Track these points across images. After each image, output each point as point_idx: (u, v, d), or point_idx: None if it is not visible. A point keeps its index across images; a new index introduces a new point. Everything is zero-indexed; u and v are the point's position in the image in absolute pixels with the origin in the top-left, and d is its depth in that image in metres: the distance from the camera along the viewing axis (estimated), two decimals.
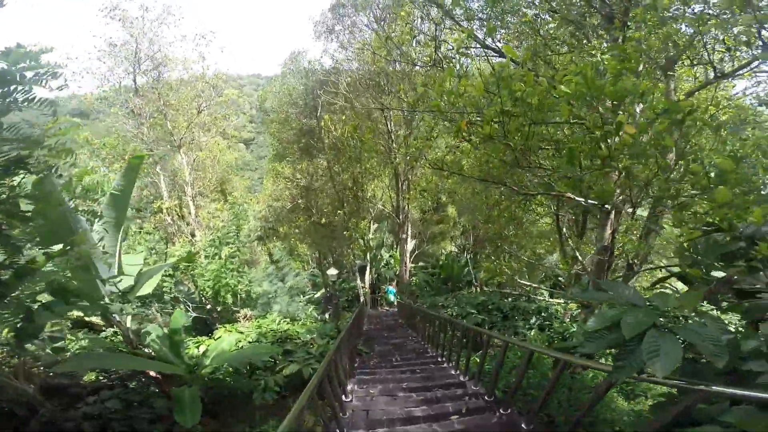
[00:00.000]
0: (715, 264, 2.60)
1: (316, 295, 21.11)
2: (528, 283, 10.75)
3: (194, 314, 12.87)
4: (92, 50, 18.69)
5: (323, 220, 20.80)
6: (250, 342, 8.51)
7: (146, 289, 7.83)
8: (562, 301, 11.38)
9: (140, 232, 13.71)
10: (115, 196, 6.78)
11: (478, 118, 4.12)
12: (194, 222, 16.74)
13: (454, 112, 4.39)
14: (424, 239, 33.85)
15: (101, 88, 17.09)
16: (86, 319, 8.95)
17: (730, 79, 7.27)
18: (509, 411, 4.48)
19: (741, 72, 5.48)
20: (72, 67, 21.21)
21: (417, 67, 14.65)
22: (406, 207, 18.17)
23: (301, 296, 15.00)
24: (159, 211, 16.18)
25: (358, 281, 20.62)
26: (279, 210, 22.93)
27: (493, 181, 6.15)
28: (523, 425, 4.05)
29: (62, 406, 4.98)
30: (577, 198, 4.39)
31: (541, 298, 11.63)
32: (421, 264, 28.04)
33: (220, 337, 8.70)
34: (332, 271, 10.98)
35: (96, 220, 5.48)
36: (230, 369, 7.39)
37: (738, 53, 5.57)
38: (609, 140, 3.29)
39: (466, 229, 38.41)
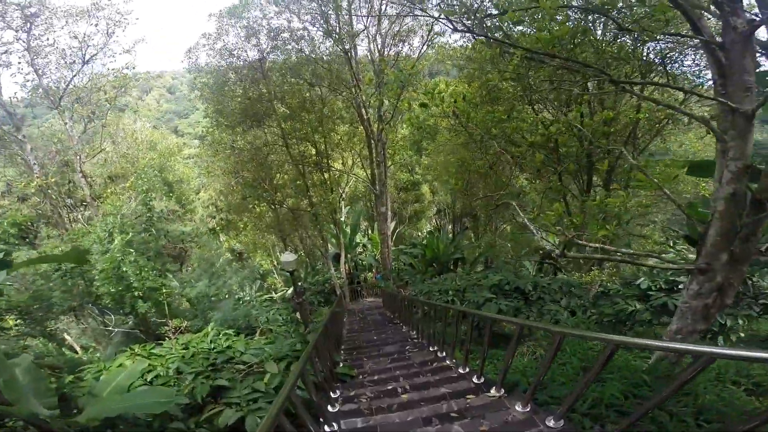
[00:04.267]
0: None
1: (288, 293, 17.77)
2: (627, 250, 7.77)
3: (116, 328, 9.28)
4: None
5: (281, 203, 17.30)
6: (159, 375, 5.22)
7: None
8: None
9: None
10: None
11: None
12: (92, 206, 12.72)
13: None
14: (401, 221, 31.06)
15: None
16: None
17: None
18: None
19: None
20: None
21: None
22: (384, 173, 14.99)
23: (251, 294, 11.61)
24: (31, 193, 12.06)
25: (332, 271, 17.41)
26: (228, 194, 19.08)
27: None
28: None
29: None
30: None
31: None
32: (401, 247, 25.26)
33: (118, 367, 5.38)
34: (287, 257, 7.74)
35: None
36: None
37: None
38: None
39: (441, 208, 36.36)
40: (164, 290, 8.45)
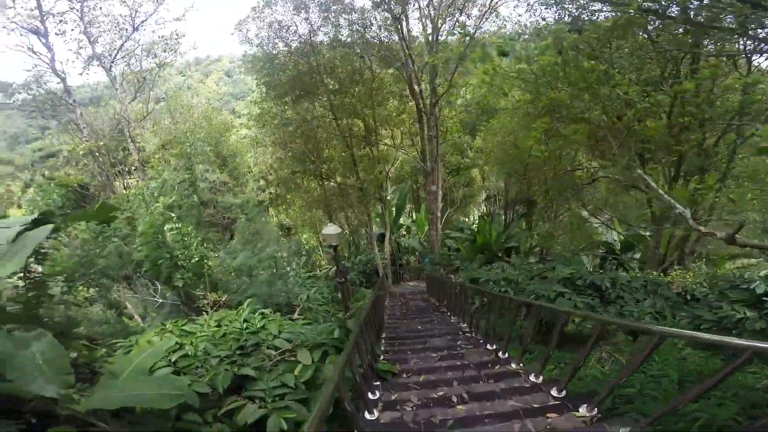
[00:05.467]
0: None
1: (332, 271, 17.53)
2: None
3: (160, 299, 9.32)
4: None
5: (328, 178, 16.80)
6: (186, 356, 4.79)
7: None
8: None
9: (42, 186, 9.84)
10: None
11: None
12: (139, 170, 12.90)
13: None
14: (448, 204, 29.68)
15: None
16: None
17: None
18: None
19: None
20: None
21: None
22: (436, 149, 13.82)
23: (297, 270, 11.21)
24: (78, 157, 12.39)
25: (376, 251, 16.78)
26: (278, 168, 18.95)
27: None
28: None
29: None
30: None
31: None
32: (447, 231, 24.08)
33: (147, 343, 5.04)
34: (330, 229, 7.02)
35: None
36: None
37: None
38: None
39: (492, 194, 34.27)
40: (205, 260, 8.23)
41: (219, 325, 6.04)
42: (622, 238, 16.87)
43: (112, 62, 12.74)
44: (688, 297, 7.06)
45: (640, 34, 7.98)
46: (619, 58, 7.70)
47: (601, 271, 12.31)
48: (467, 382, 4.08)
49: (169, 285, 7.48)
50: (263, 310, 6.52)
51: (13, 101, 11.83)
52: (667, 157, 10.87)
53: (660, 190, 4.22)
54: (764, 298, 5.88)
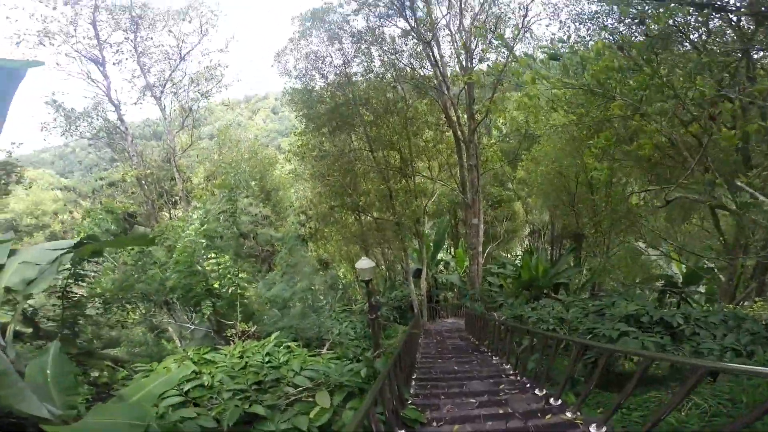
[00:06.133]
0: None
1: (366, 306, 17.02)
2: None
3: (192, 326, 9.31)
4: None
5: (365, 211, 16.71)
6: (201, 386, 4.49)
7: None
8: None
9: (90, 211, 10.38)
10: None
11: None
12: (183, 199, 13.42)
13: None
14: (489, 239, 28.46)
15: None
16: None
17: None
18: None
19: None
20: None
21: None
22: (476, 179, 13.31)
23: (333, 303, 10.84)
24: (122, 181, 13.09)
25: (412, 287, 16.10)
26: (317, 203, 19.22)
27: None
28: None
29: None
30: None
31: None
32: (488, 266, 22.84)
33: (163, 368, 4.84)
34: (364, 263, 6.69)
35: None
36: None
37: None
38: None
39: (536, 229, 32.52)
40: (239, 290, 8.14)
41: (242, 357, 5.75)
42: (684, 270, 15.12)
43: (162, 91, 13.92)
44: None
45: (685, 44, 7.31)
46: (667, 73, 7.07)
47: (658, 305, 10.87)
48: None
49: (200, 312, 7.41)
50: (289, 344, 6.15)
51: (74, 127, 13.15)
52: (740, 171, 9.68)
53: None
54: None
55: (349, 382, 4.21)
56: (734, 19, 6.73)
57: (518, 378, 5.61)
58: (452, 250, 26.92)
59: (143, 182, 13.55)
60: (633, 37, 7.45)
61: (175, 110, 14.38)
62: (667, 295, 13.93)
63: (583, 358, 6.24)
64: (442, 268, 23.50)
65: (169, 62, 14.77)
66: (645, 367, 2.80)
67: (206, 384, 4.56)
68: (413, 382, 5.65)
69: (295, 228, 23.14)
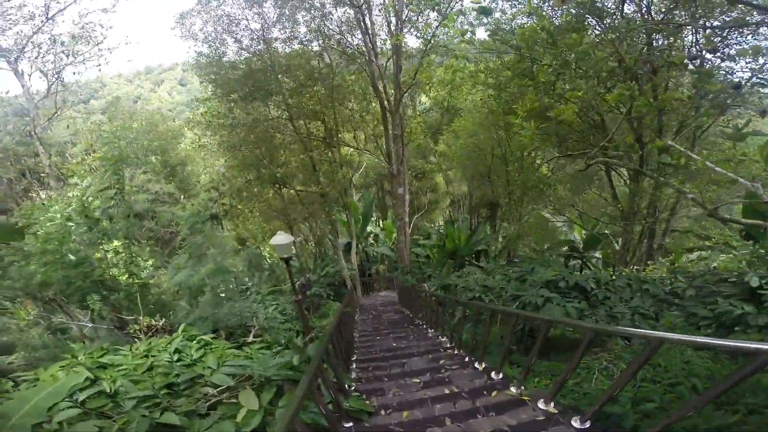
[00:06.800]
0: None
1: (298, 283, 16.20)
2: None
3: (88, 324, 7.70)
4: None
5: (285, 184, 15.61)
6: (101, 393, 3.58)
7: None
8: None
9: None
10: None
11: None
12: (51, 177, 11.01)
13: None
14: (414, 210, 29.24)
15: None
16: None
17: None
18: None
19: None
20: None
21: None
22: (402, 149, 13.07)
23: (253, 286, 9.93)
24: None
25: (343, 262, 15.71)
26: (231, 177, 17.36)
27: None
28: None
29: None
30: None
31: None
32: (414, 237, 23.42)
33: (50, 377, 3.79)
34: (280, 239, 5.99)
35: None
36: None
37: None
38: None
39: (456, 199, 34.34)
40: (136, 279, 6.86)
41: (147, 356, 4.82)
42: (584, 236, 17.07)
43: (18, 56, 10.84)
44: (679, 293, 6.66)
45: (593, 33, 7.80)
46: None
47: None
48: (463, 419, 3.22)
49: (86, 308, 6.06)
50: (203, 336, 5.32)
51: None
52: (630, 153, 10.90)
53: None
54: (759, 291, 5.55)
55: (278, 375, 3.66)
56: None
57: (456, 351, 5.61)
58: (381, 222, 27.05)
59: None
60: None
61: (40, 78, 11.32)
62: (570, 259, 15.56)
63: (515, 328, 6.53)
64: (372, 241, 23.48)
65: (33, 23, 11.43)
66: (589, 340, 2.74)
67: (109, 390, 3.68)
68: (353, 365, 5.32)
69: (204, 205, 20.86)
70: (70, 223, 6.10)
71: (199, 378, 4.14)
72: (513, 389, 3.69)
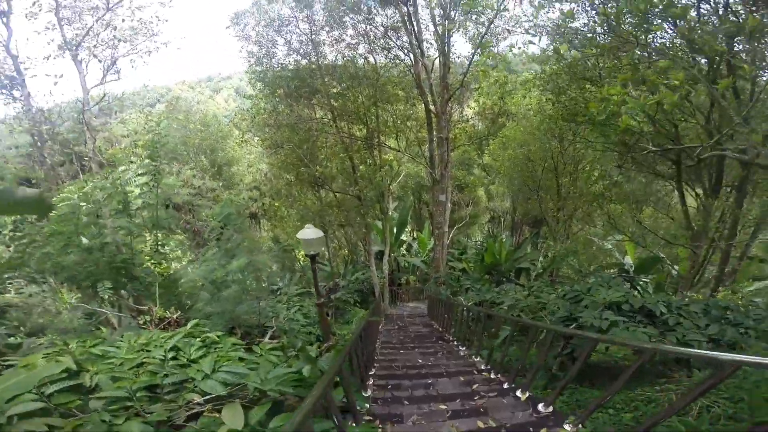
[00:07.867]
0: None
1: (327, 286, 15.82)
2: None
3: (108, 311, 7.65)
4: None
5: (324, 184, 15.38)
6: (78, 386, 3.13)
7: None
8: None
9: None
10: None
11: None
12: (94, 161, 11.23)
13: None
14: (452, 224, 28.15)
15: None
16: None
17: None
18: None
19: None
20: None
21: None
22: (446, 153, 12.28)
23: (284, 287, 9.52)
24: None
25: (373, 269, 15.07)
26: (272, 178, 17.49)
27: None
28: None
29: None
30: None
31: None
32: (450, 251, 22.36)
33: (24, 367, 3.44)
34: (308, 233, 5.41)
35: None
36: None
37: None
38: None
39: (496, 215, 32.84)
40: (158, 268, 6.64)
41: (142, 351, 4.37)
42: (636, 258, 15.48)
43: (79, 44, 11.46)
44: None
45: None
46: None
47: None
48: None
49: (99, 294, 5.86)
50: (209, 334, 4.84)
51: None
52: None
53: None
54: None
55: (273, 391, 3.01)
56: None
57: (492, 375, 4.72)
58: (415, 233, 26.28)
59: (36, 140, 11.03)
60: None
61: (99, 68, 11.99)
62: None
63: (564, 352, 5.52)
64: (405, 251, 22.76)
65: (96, 13, 12.20)
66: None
67: (89, 385, 3.21)
68: (371, 381, 4.59)
69: (245, 202, 21.18)
70: (86, 204, 5.97)
71: (189, 382, 3.59)
72: (567, 427, 2.80)
